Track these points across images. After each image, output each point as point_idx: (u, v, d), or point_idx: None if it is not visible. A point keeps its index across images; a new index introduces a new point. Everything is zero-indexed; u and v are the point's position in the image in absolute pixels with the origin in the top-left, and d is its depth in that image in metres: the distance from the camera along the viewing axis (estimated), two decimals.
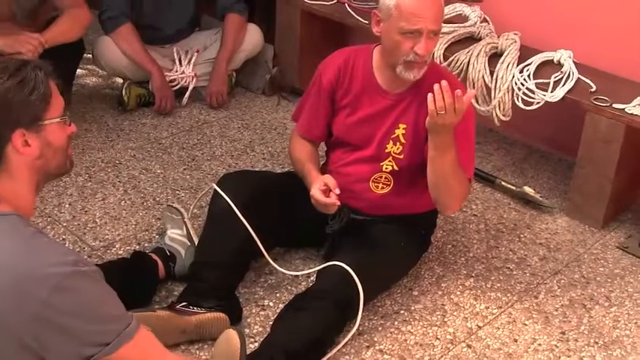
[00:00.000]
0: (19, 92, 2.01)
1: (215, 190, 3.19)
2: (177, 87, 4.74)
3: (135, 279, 3.06)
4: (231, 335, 2.60)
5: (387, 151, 3.14)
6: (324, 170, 3.28)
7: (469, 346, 3.06)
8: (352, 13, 4.55)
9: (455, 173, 2.99)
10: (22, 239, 1.96)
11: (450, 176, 2.99)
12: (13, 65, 2.05)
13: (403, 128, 3.10)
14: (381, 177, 3.18)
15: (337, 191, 3.01)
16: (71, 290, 1.93)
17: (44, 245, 1.98)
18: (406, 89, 3.09)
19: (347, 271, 2.91)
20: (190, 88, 4.75)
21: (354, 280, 2.89)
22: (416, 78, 3.00)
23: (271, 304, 3.19)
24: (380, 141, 3.14)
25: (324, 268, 3.02)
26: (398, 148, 3.12)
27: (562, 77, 3.83)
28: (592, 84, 3.79)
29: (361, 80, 3.13)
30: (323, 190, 3.03)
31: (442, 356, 3.00)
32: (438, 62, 4.09)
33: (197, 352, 2.93)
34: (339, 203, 3.03)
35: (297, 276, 3.29)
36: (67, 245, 3.40)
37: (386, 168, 3.16)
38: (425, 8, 2.87)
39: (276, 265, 3.14)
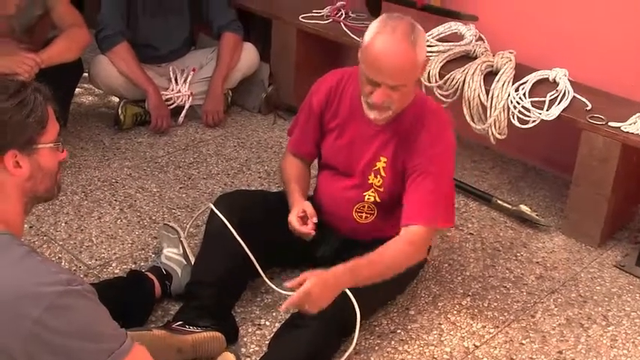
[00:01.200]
0: (17, 113, 2.01)
1: (211, 209, 3.20)
2: (174, 106, 4.74)
3: (131, 298, 3.05)
4: (227, 358, 2.60)
5: (369, 182, 3.13)
6: (314, 190, 3.29)
7: None
8: (347, 31, 4.57)
9: (381, 275, 2.89)
10: (15, 259, 1.95)
11: (380, 278, 2.89)
12: (14, 86, 2.05)
13: (384, 162, 3.08)
14: (364, 207, 3.16)
15: (315, 220, 3.04)
16: (64, 309, 1.92)
17: (37, 264, 1.97)
18: (388, 122, 3.03)
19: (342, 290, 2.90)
20: (186, 106, 4.76)
21: (349, 299, 2.88)
22: (377, 120, 2.95)
23: (267, 323, 3.18)
24: (362, 170, 3.13)
25: None
26: (379, 181, 3.11)
27: (557, 96, 3.84)
28: (587, 102, 3.79)
29: (349, 105, 3.12)
30: (301, 217, 3.06)
31: None
32: (434, 81, 4.10)
33: None
34: (313, 233, 3.06)
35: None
36: (62, 264, 3.39)
37: (368, 198, 3.14)
38: (384, 64, 2.80)
39: (272, 285, 3.13)
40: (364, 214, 3.16)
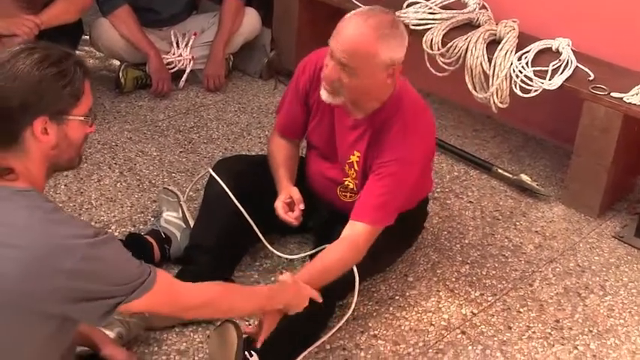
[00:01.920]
0: (55, 83, 2.03)
1: (210, 174, 3.19)
2: (175, 70, 4.72)
3: None
4: (227, 329, 2.60)
5: (345, 171, 3.09)
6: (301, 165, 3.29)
7: (463, 333, 3.06)
8: None
9: (328, 277, 2.84)
10: (45, 213, 1.99)
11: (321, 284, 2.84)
12: (57, 55, 2.06)
13: (357, 156, 3.03)
14: (346, 188, 3.14)
15: (301, 207, 3.02)
16: (95, 259, 1.98)
17: (66, 219, 2.03)
18: (365, 116, 2.97)
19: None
20: (187, 71, 4.74)
21: None
22: (325, 100, 2.89)
23: None
24: (340, 159, 3.10)
25: (318, 251, 3.01)
26: (353, 173, 3.07)
27: (560, 65, 3.82)
28: (590, 72, 3.78)
29: None
30: (287, 203, 3.04)
31: (436, 342, 3.01)
32: (436, 49, 4.08)
33: (191, 334, 2.93)
34: (297, 223, 3.05)
35: (292, 260, 3.29)
36: None
37: (347, 184, 3.12)
38: (344, 36, 2.74)
39: (271, 248, 3.14)
40: (348, 194, 3.13)
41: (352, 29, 2.73)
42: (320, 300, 2.72)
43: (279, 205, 3.04)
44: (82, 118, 2.12)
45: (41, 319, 1.99)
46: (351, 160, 3.04)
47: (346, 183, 3.11)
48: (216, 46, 4.71)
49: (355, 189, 3.09)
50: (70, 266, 1.92)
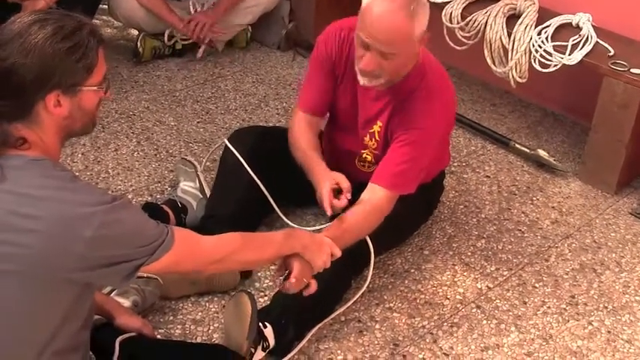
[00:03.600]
0: (68, 57, 1.99)
1: (226, 145, 3.19)
2: (192, 41, 4.71)
3: None
4: (242, 299, 2.61)
5: (364, 142, 3.08)
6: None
7: (478, 307, 3.07)
8: None
9: (350, 238, 2.83)
10: (62, 181, 1.98)
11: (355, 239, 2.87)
12: (70, 26, 2.01)
13: (379, 126, 3.02)
14: (365, 159, 3.12)
15: (349, 196, 2.91)
16: (114, 224, 1.97)
17: (81, 187, 2.01)
18: (388, 88, 2.95)
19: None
20: (206, 40, 4.73)
21: (364, 238, 2.89)
22: (366, 85, 2.87)
23: None
24: (361, 130, 3.08)
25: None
26: (374, 144, 3.06)
27: (580, 40, 3.80)
28: (610, 48, 3.76)
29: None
30: (333, 190, 2.93)
31: (451, 316, 3.01)
32: (456, 22, 4.06)
33: (207, 304, 2.94)
34: (344, 205, 2.93)
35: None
36: None
37: (366, 156, 3.11)
38: (376, 29, 2.69)
39: (287, 220, 3.14)
40: (366, 165, 3.12)
41: (385, 17, 2.68)
42: (339, 254, 2.65)
43: (326, 194, 2.89)
44: (95, 88, 2.08)
45: (64, 287, 2.00)
46: (373, 130, 3.04)
47: (364, 155, 3.10)
48: (218, 5, 4.68)
49: (373, 160, 3.08)
50: (89, 234, 1.92)
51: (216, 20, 4.65)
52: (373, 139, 3.05)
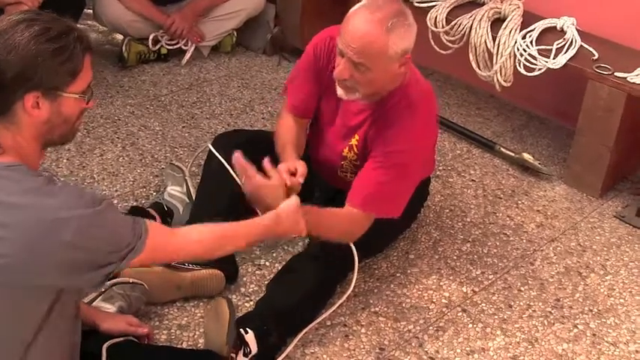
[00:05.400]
0: (52, 59, 1.97)
1: (210, 149, 3.19)
2: (177, 46, 4.72)
3: None
4: (220, 304, 2.61)
5: (343, 154, 3.06)
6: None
7: (464, 311, 3.07)
8: None
9: (327, 229, 2.86)
10: (36, 187, 1.95)
11: (325, 232, 2.87)
12: (57, 29, 1.99)
13: (356, 139, 3.00)
14: (346, 169, 3.11)
15: (301, 180, 2.88)
16: (93, 228, 1.96)
17: (59, 190, 1.97)
18: (370, 103, 2.94)
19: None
20: (191, 48, 4.73)
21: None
22: (343, 97, 2.86)
23: (267, 263, 3.19)
24: (341, 140, 3.06)
25: None
26: (353, 156, 3.04)
27: (564, 44, 3.81)
28: (594, 52, 3.77)
29: None
30: (291, 172, 2.90)
31: (437, 320, 3.01)
32: (441, 26, 4.07)
33: (192, 309, 2.94)
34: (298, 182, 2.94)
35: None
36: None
37: (346, 166, 3.10)
38: (353, 37, 2.68)
39: None
40: (348, 175, 3.12)
41: (360, 26, 2.67)
42: (304, 234, 2.67)
43: (283, 168, 2.87)
44: (77, 96, 2.05)
45: (39, 293, 1.98)
46: (351, 143, 3.03)
47: (345, 166, 3.10)
48: (197, 2, 4.70)
49: (355, 169, 3.05)
50: (67, 238, 1.91)
51: (192, 22, 4.67)
52: (352, 152, 3.04)
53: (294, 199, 2.63)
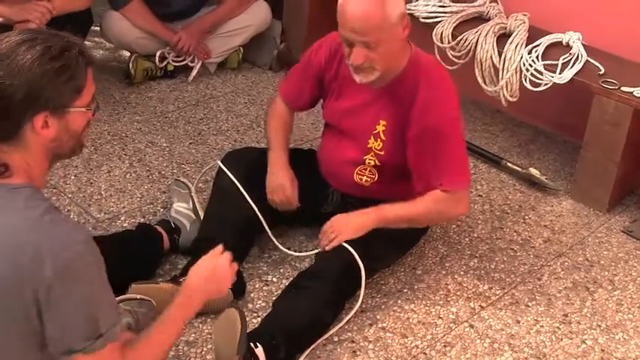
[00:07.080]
0: (56, 78, 1.96)
1: (220, 167, 3.20)
2: (184, 63, 4.73)
3: (140, 251, 3.07)
4: (231, 314, 2.61)
5: (368, 146, 3.09)
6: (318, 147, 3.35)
7: (471, 326, 3.06)
8: None
9: (410, 220, 3.08)
10: (36, 215, 1.94)
11: (409, 221, 3.08)
12: (59, 47, 1.99)
13: (383, 125, 3.05)
14: (365, 170, 3.13)
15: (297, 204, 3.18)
16: (74, 275, 1.92)
17: (56, 224, 1.96)
18: (386, 85, 3.00)
19: (346, 249, 2.91)
20: (197, 65, 4.74)
21: (354, 257, 2.90)
22: (362, 82, 2.93)
23: (275, 279, 3.19)
24: (362, 134, 3.10)
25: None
26: (379, 145, 3.07)
27: (570, 59, 3.82)
28: (600, 66, 3.77)
29: (349, 68, 3.05)
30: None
31: (444, 335, 3.01)
32: (447, 42, 4.07)
33: (200, 325, 2.94)
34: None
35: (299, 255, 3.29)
36: (71, 217, 3.40)
37: (369, 162, 3.12)
38: (350, 20, 2.78)
39: (280, 246, 3.16)
40: (365, 177, 3.13)
41: (357, 8, 2.77)
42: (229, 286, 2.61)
43: (294, 189, 3.17)
44: (83, 109, 2.06)
45: (26, 318, 1.94)
46: (376, 131, 3.06)
47: (367, 161, 3.11)
48: (203, 19, 4.72)
49: (379, 164, 3.10)
50: (49, 274, 1.88)
51: (199, 39, 4.68)
52: (378, 140, 3.07)
53: (197, 268, 2.50)
